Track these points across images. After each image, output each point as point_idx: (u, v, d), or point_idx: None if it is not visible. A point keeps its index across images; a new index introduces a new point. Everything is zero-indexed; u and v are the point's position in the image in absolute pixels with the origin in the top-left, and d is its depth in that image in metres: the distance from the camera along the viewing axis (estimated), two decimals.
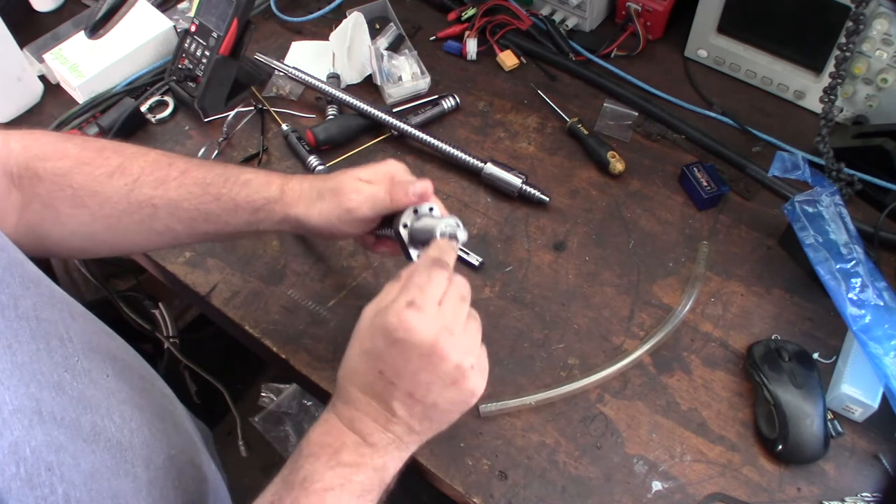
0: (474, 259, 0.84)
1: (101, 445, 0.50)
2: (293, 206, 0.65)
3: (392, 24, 1.05)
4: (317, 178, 0.67)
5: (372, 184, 0.63)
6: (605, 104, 0.96)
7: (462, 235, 0.58)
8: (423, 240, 0.61)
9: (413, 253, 0.62)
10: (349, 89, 1.01)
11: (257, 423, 1.43)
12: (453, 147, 0.91)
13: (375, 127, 0.96)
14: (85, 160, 0.65)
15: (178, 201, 0.65)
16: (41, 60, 1.00)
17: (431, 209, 0.63)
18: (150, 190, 0.65)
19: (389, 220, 0.65)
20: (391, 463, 0.54)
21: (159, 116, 0.99)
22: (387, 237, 0.68)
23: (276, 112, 0.99)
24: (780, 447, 0.69)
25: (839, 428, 0.72)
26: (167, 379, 0.71)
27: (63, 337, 0.52)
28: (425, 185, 0.61)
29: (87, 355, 0.54)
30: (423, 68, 1.00)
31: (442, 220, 0.59)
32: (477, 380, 0.54)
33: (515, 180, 0.88)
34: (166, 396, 0.68)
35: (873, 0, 0.80)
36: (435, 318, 0.52)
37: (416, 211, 0.63)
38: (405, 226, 0.62)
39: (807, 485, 0.69)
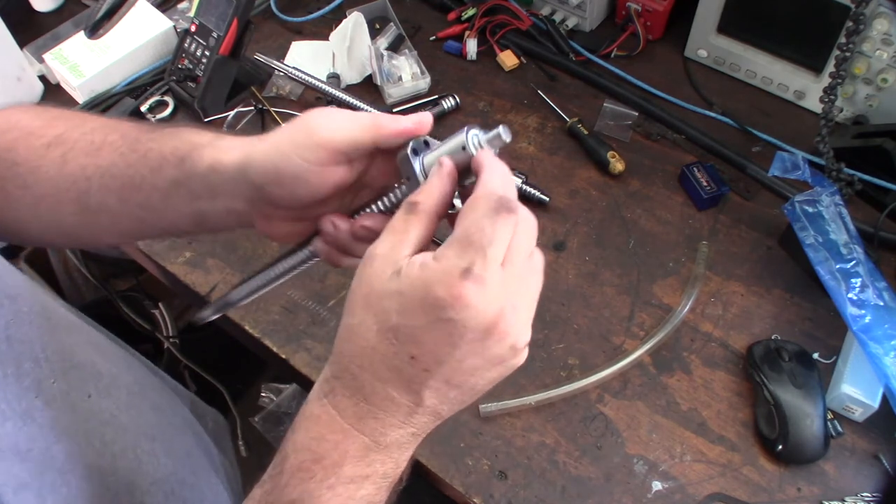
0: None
1: (78, 474, 0.47)
2: (228, 151, 0.48)
3: (392, 24, 1.05)
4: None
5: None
6: (605, 104, 0.96)
7: (507, 135, 0.42)
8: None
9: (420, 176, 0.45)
10: (349, 89, 1.01)
11: (257, 423, 1.43)
12: None
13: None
14: (31, 130, 0.55)
15: (108, 167, 0.53)
16: (41, 60, 1.00)
17: (427, 143, 0.46)
18: (83, 158, 0.53)
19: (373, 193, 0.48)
20: (404, 458, 0.45)
21: (159, 116, 0.99)
22: (369, 209, 0.48)
23: (276, 112, 0.99)
24: (780, 447, 0.69)
25: (839, 428, 0.72)
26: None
27: (38, 357, 0.49)
28: (423, 114, 0.45)
29: (66, 375, 0.51)
30: (423, 68, 1.00)
31: (470, 131, 0.43)
32: (525, 353, 0.42)
33: (515, 180, 0.88)
34: (160, 408, 0.64)
35: (873, 0, 0.80)
36: (500, 291, 0.38)
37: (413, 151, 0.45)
38: (414, 151, 0.45)
39: (807, 485, 0.69)
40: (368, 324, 0.40)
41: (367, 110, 0.94)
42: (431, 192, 0.42)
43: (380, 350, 0.40)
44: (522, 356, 0.42)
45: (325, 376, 0.43)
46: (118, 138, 0.53)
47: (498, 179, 0.41)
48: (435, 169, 0.43)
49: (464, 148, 0.42)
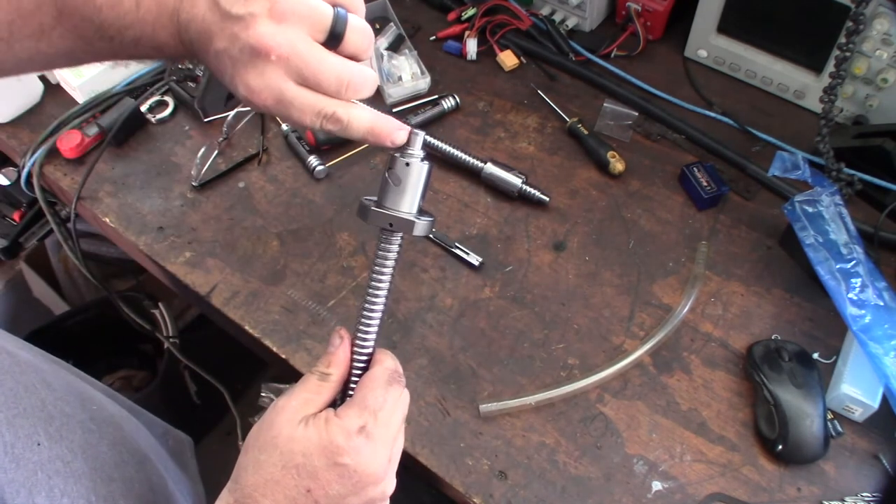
0: (474, 259, 0.84)
1: None
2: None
3: (392, 24, 1.05)
4: None
5: None
6: (605, 104, 0.96)
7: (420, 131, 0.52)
8: None
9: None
10: None
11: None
12: (453, 147, 0.91)
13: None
14: None
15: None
16: None
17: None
18: None
19: None
20: None
21: (159, 116, 0.99)
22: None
23: None
24: (780, 447, 0.69)
25: (839, 428, 0.72)
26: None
27: None
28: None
29: (12, 424, 0.49)
30: (423, 68, 1.00)
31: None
32: (388, 501, 0.53)
33: (515, 180, 0.88)
34: (120, 442, 0.62)
35: (873, 0, 0.80)
36: (384, 448, 0.50)
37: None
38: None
39: (807, 485, 0.69)
40: (274, 460, 0.49)
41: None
42: (339, 364, 0.52)
43: (282, 482, 0.48)
44: (386, 502, 0.53)
45: (227, 501, 0.50)
46: None
47: (391, 360, 0.53)
48: (339, 342, 0.53)
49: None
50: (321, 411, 0.50)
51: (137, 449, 0.65)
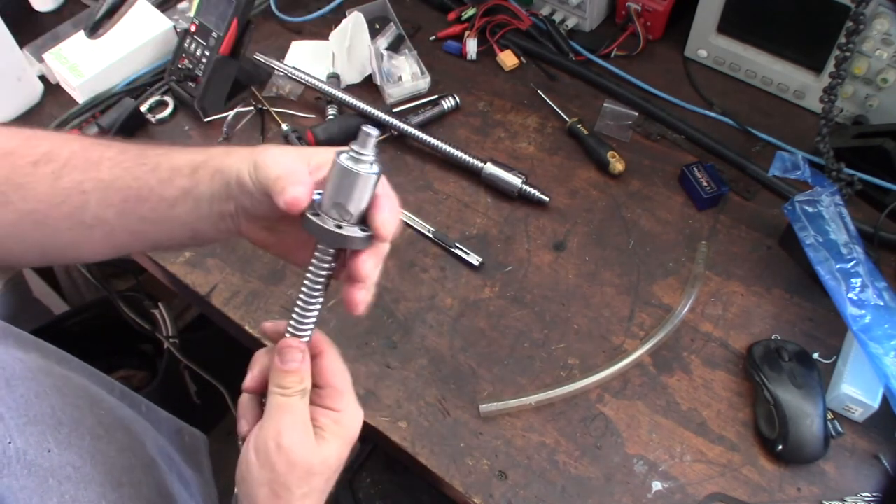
0: (474, 259, 0.84)
1: None
2: (227, 157, 0.52)
3: (392, 24, 1.05)
4: None
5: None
6: (605, 104, 0.96)
7: (373, 130, 0.46)
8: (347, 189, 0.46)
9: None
10: (349, 89, 1.01)
11: None
12: (453, 147, 0.91)
13: (375, 127, 0.96)
14: (8, 150, 0.56)
15: (111, 181, 0.54)
16: (41, 60, 1.00)
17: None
18: (79, 174, 0.55)
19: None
20: None
21: (159, 116, 0.99)
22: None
23: (275, 112, 0.99)
24: (780, 447, 0.69)
25: (839, 428, 0.72)
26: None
27: None
28: (295, 194, 0.46)
29: (24, 431, 0.49)
30: (423, 68, 1.00)
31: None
32: None
33: (515, 180, 0.88)
34: (129, 447, 0.62)
35: (873, 0, 0.80)
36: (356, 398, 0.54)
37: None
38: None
39: (807, 485, 0.69)
40: (317, 484, 0.50)
41: (367, 110, 0.94)
42: (309, 375, 0.51)
43: (326, 490, 0.51)
44: None
45: None
46: (116, 153, 0.55)
47: (319, 335, 0.53)
48: (300, 356, 0.51)
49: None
50: (319, 418, 0.51)
51: (145, 453, 0.65)
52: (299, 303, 0.51)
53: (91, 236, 0.56)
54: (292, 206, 0.46)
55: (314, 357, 0.52)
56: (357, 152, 0.46)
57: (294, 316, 0.51)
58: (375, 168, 0.46)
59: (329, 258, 0.49)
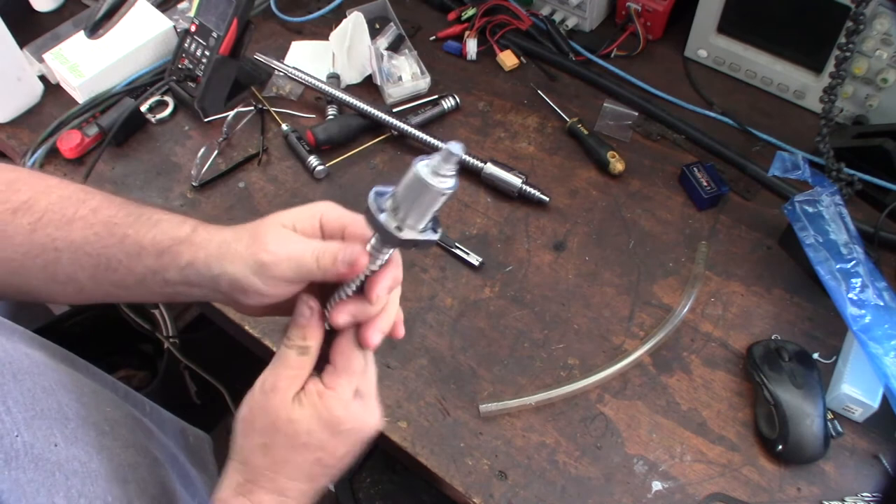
0: (474, 259, 0.84)
1: None
2: (202, 248, 0.52)
3: (392, 24, 1.05)
4: (241, 226, 0.54)
5: (296, 232, 0.52)
6: (605, 104, 0.96)
7: (457, 148, 0.42)
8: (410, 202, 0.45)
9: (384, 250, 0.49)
10: (349, 89, 1.01)
11: None
12: None
13: (375, 127, 0.96)
14: None
15: (81, 244, 0.54)
16: (41, 60, 1.00)
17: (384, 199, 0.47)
18: (53, 230, 0.54)
19: (321, 290, 0.53)
20: None
21: (159, 116, 0.99)
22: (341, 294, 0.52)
23: (276, 112, 0.99)
24: (780, 447, 0.69)
25: (839, 428, 0.72)
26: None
27: None
28: (355, 253, 0.48)
29: (31, 425, 0.49)
30: (423, 68, 1.00)
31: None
32: None
33: (515, 180, 0.88)
34: (134, 444, 0.63)
35: (873, 0, 0.80)
36: (374, 398, 0.53)
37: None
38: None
39: (807, 485, 0.69)
40: (280, 443, 0.50)
41: (367, 110, 0.94)
42: (315, 335, 0.52)
43: (292, 460, 0.51)
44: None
45: (237, 481, 0.51)
46: (89, 213, 0.54)
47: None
48: (309, 313, 0.52)
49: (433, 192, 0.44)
50: (308, 384, 0.51)
51: (150, 452, 0.65)
52: (341, 287, 0.52)
53: (64, 291, 0.57)
54: (357, 268, 0.48)
55: (336, 334, 0.53)
56: (438, 165, 0.43)
57: (335, 296, 0.52)
58: (452, 183, 0.44)
59: (381, 255, 0.49)
